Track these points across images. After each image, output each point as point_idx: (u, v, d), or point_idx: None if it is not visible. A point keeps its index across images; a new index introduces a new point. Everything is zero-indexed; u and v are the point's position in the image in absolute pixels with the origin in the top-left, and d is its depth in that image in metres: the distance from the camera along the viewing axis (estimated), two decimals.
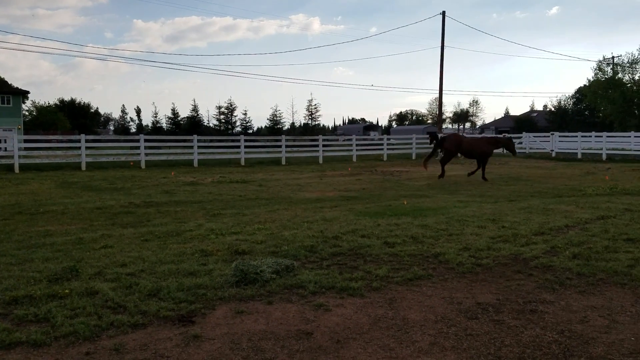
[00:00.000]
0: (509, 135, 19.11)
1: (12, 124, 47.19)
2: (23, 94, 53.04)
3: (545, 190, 14.20)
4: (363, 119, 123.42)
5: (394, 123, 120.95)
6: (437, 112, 46.35)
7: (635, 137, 29.95)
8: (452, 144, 17.79)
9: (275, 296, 4.85)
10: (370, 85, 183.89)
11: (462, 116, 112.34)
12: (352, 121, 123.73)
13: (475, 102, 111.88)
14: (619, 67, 53.90)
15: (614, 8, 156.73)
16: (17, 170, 20.51)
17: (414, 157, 31.70)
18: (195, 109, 50.44)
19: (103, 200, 12.21)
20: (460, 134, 23.72)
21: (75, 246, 6.96)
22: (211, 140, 30.47)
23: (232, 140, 30.45)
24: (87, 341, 3.86)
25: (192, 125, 48.67)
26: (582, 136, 31.67)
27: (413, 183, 16.98)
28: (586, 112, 64.96)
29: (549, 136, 34.20)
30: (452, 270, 5.67)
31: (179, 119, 51.07)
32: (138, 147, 24.37)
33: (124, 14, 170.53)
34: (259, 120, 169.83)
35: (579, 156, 29.47)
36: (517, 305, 4.59)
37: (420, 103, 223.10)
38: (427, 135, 32.86)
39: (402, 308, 4.56)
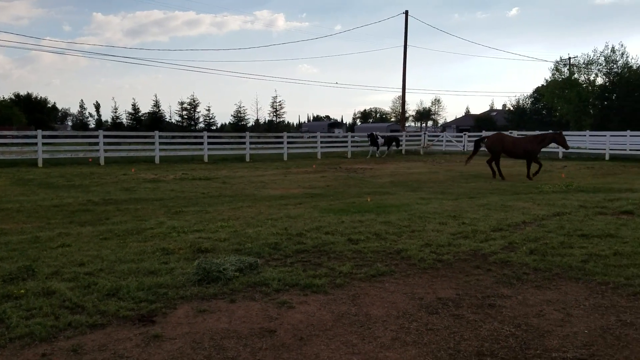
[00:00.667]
0: (554, 131, 18.26)
1: None
2: None
3: (504, 187, 14.58)
4: (328, 117, 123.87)
5: (358, 121, 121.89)
6: (401, 110, 46.93)
7: (590, 136, 31.11)
8: (492, 142, 17.50)
9: (239, 294, 4.82)
10: (334, 82, 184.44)
11: (424, 114, 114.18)
12: (317, 118, 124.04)
13: (437, 101, 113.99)
14: (575, 67, 55.74)
15: (571, 10, 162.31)
16: None
17: (377, 155, 31.99)
18: (156, 104, 49.51)
19: (60, 197, 11.86)
20: (507, 133, 21.67)
21: (31, 245, 6.74)
22: (173, 137, 29.93)
23: (195, 137, 29.98)
24: (43, 342, 3.75)
25: (154, 121, 47.68)
26: None
27: (377, 180, 17.15)
28: (543, 112, 66.79)
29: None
30: (414, 266, 5.76)
31: (139, 114, 49.99)
32: (97, 143, 23.74)
33: (82, 7, 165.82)
34: (223, 117, 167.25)
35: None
36: (476, 299, 4.71)
37: (384, 101, 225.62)
38: (376, 136, 31.89)
39: (365, 304, 4.61)
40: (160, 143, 25.49)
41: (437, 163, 25.48)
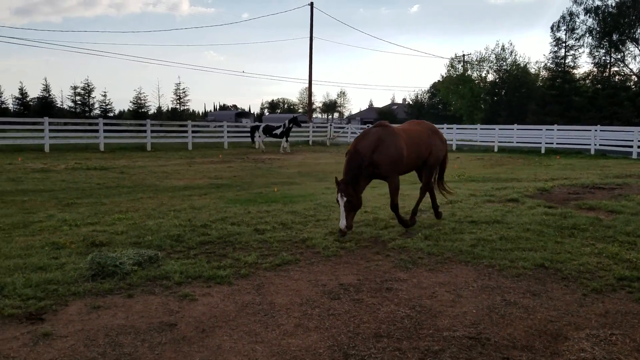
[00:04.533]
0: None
1: None
2: None
3: (402, 177, 15.18)
4: (235, 106, 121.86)
5: (266, 111, 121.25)
6: (308, 102, 47.32)
7: (481, 129, 33.34)
8: None
9: (137, 289, 4.64)
10: (241, 71, 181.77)
11: (330, 106, 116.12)
12: (224, 107, 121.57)
13: (342, 94, 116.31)
14: (468, 64, 59.43)
15: (466, 10, 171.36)
16: None
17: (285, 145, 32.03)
18: (47, 88, 45.87)
19: None
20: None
21: None
22: (65, 124, 27.95)
23: (90, 124, 28.21)
24: None
25: (44, 106, 44.18)
26: None
27: (284, 170, 17.21)
28: (440, 106, 70.53)
29: None
30: (318, 254, 5.88)
31: (28, 99, 46.02)
32: None
33: None
34: (121, 103, 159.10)
35: None
36: (375, 284, 4.90)
37: (292, 92, 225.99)
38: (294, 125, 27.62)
39: (269, 293, 4.63)
40: (51, 130, 23.75)
41: (342, 154, 26.06)
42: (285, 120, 28.49)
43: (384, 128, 6.99)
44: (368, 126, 40.02)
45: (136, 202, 9.43)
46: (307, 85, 43.39)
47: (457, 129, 33.02)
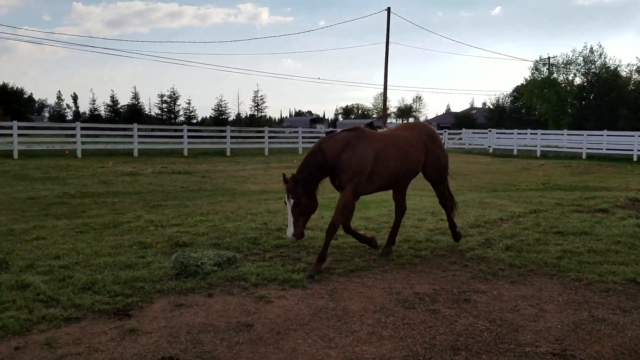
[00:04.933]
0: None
1: None
2: None
3: (482, 184, 14.74)
4: (310, 112, 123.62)
5: (340, 116, 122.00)
6: (382, 107, 47.08)
7: (567, 135, 31.57)
8: None
9: (216, 288, 4.81)
10: (317, 78, 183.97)
11: (405, 111, 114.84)
12: (299, 113, 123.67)
13: (418, 98, 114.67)
14: (554, 67, 56.53)
15: (553, 10, 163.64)
16: None
17: None
18: (136, 96, 48.77)
19: (36, 190, 11.64)
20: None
21: (5, 238, 6.62)
22: (152, 130, 29.63)
23: (175, 130, 29.68)
24: (16, 336, 3.70)
25: (133, 113, 47.01)
26: (518, 133, 33.07)
27: None
28: (523, 110, 67.58)
29: (487, 133, 35.49)
30: (392, 262, 5.81)
31: (118, 106, 49.18)
32: (74, 135, 23.35)
33: None
34: (204, 110, 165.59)
35: (515, 152, 30.75)
36: (452, 295, 4.76)
37: (366, 97, 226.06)
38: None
39: (342, 299, 4.63)
40: (139, 136, 25.22)
41: None
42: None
43: (357, 132, 5.79)
44: (445, 131, 38.89)
45: (216, 205, 9.78)
46: (381, 90, 43.19)
47: (541, 134, 31.50)
